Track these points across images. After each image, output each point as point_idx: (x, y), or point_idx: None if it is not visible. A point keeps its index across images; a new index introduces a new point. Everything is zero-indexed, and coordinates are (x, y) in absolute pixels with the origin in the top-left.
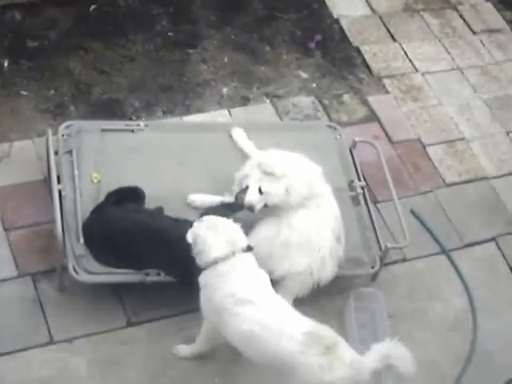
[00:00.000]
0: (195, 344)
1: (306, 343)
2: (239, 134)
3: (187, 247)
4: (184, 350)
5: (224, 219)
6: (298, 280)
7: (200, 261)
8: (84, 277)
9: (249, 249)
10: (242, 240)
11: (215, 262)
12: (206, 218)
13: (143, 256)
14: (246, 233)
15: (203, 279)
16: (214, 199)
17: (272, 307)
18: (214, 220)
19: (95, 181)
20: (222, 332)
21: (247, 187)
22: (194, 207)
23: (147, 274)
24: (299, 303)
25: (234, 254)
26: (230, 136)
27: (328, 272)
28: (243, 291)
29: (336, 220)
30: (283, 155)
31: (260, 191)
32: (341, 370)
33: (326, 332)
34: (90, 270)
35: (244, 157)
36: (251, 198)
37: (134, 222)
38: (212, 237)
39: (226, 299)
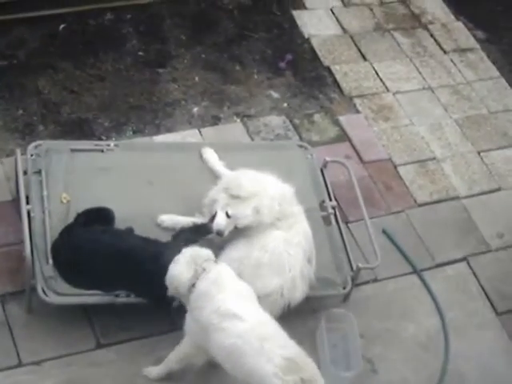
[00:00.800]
0: (164, 364)
1: (284, 368)
2: (209, 154)
3: (156, 268)
4: (154, 371)
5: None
6: (268, 301)
7: (181, 295)
8: (53, 298)
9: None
10: (206, 253)
11: (192, 285)
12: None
13: (112, 277)
14: (217, 254)
15: (190, 306)
16: (185, 220)
17: (257, 322)
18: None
19: (64, 201)
20: (206, 349)
21: (215, 213)
22: (164, 227)
23: (117, 296)
24: None
25: (204, 269)
26: (201, 156)
27: (299, 293)
28: (227, 304)
29: (307, 241)
30: (252, 175)
31: (228, 215)
32: None
33: (308, 365)
34: (59, 292)
35: (214, 177)
36: (219, 223)
37: (102, 244)
38: (174, 268)
39: (212, 315)
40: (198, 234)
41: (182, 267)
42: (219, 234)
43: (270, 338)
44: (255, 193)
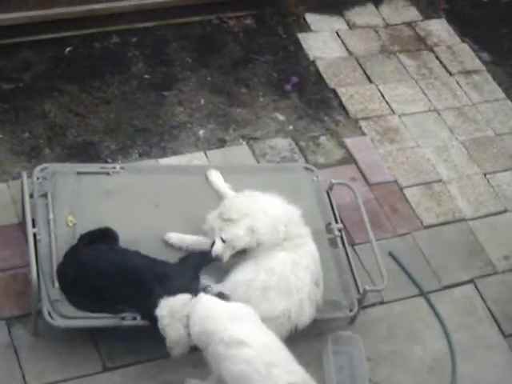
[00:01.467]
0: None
1: None
2: (215, 176)
3: (161, 287)
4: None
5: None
6: (275, 324)
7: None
8: (59, 321)
9: (221, 296)
10: (180, 299)
11: (188, 334)
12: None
13: (117, 296)
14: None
15: (199, 345)
16: (191, 239)
17: (264, 346)
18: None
19: (70, 224)
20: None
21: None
22: (171, 244)
23: (123, 318)
24: None
25: (187, 315)
26: (206, 178)
27: (306, 316)
28: (230, 332)
29: (315, 263)
30: (249, 196)
31: (223, 240)
32: None
33: None
34: (64, 315)
35: (220, 199)
36: (216, 249)
37: (107, 262)
38: (168, 332)
39: (218, 347)
40: (205, 259)
41: (172, 329)
42: (218, 259)
43: (276, 364)
44: (247, 213)
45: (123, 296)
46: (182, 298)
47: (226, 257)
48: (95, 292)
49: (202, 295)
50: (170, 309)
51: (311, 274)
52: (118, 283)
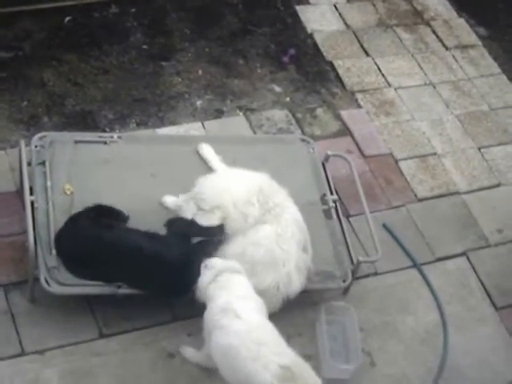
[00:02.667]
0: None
1: (280, 377)
2: (206, 150)
3: (162, 264)
4: (189, 352)
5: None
6: (265, 296)
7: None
8: (56, 288)
9: None
10: (235, 266)
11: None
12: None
13: (113, 272)
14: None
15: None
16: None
17: (256, 325)
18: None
19: (68, 192)
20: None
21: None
22: (166, 207)
23: (119, 286)
24: (270, 316)
25: (222, 273)
26: (197, 151)
27: (296, 286)
28: (230, 301)
29: (300, 229)
30: (223, 179)
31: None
32: None
33: (304, 373)
34: (61, 282)
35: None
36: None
37: (104, 242)
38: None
39: (215, 311)
40: (192, 228)
41: (207, 275)
42: None
43: (266, 344)
44: (218, 205)
45: (119, 272)
46: (235, 265)
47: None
48: (91, 265)
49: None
50: (222, 267)
51: (297, 242)
52: (114, 261)
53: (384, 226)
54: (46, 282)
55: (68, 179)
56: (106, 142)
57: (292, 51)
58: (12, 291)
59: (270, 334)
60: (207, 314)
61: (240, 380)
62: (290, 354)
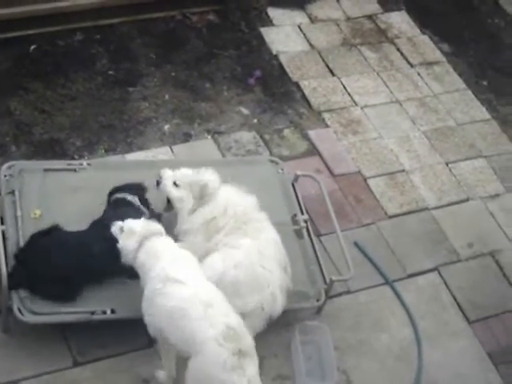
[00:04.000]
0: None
1: (225, 335)
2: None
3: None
4: (164, 377)
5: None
6: (249, 318)
7: (124, 255)
8: (29, 317)
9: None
10: (157, 228)
11: (134, 257)
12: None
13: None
14: None
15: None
16: None
17: (202, 287)
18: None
19: (36, 215)
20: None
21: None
22: None
23: (93, 313)
24: None
25: (147, 238)
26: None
27: (279, 306)
28: (166, 271)
29: (279, 249)
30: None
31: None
32: (237, 378)
33: (247, 340)
34: (35, 311)
35: None
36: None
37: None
38: (123, 239)
39: (154, 281)
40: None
41: (128, 239)
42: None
43: (214, 305)
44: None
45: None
46: (158, 227)
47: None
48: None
49: (158, 236)
50: (143, 227)
51: (279, 262)
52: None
53: (355, 244)
54: (20, 311)
55: (38, 207)
56: (75, 170)
57: (258, 73)
58: None
59: (215, 296)
60: (146, 285)
61: (185, 338)
62: (235, 317)
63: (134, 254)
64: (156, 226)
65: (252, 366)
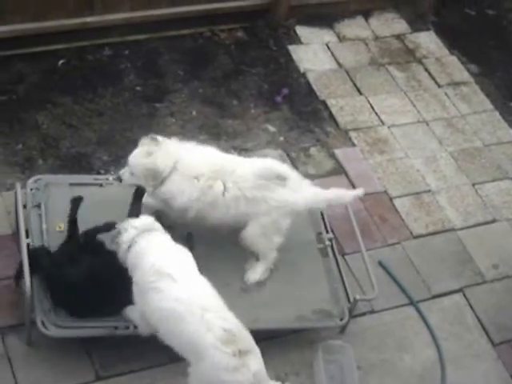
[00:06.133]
0: None
1: (223, 339)
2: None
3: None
4: None
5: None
6: None
7: (120, 253)
8: (52, 331)
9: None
10: (156, 224)
11: (129, 247)
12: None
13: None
14: None
15: (128, 265)
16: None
17: (198, 289)
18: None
19: (61, 229)
20: (146, 315)
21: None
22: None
23: (116, 328)
24: (268, 355)
25: (144, 231)
26: None
27: None
28: (161, 262)
29: None
30: None
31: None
32: (242, 376)
33: (245, 338)
34: (58, 324)
35: None
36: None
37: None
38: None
39: (147, 272)
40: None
41: (126, 237)
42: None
43: (211, 309)
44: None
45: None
46: (156, 224)
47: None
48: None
49: (156, 231)
50: (142, 222)
51: None
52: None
53: (380, 263)
54: (43, 324)
55: (63, 220)
56: (101, 185)
57: (285, 91)
58: (9, 334)
59: (211, 298)
60: (139, 276)
61: (182, 342)
62: (233, 319)
63: (126, 246)
64: (152, 223)
65: (255, 360)
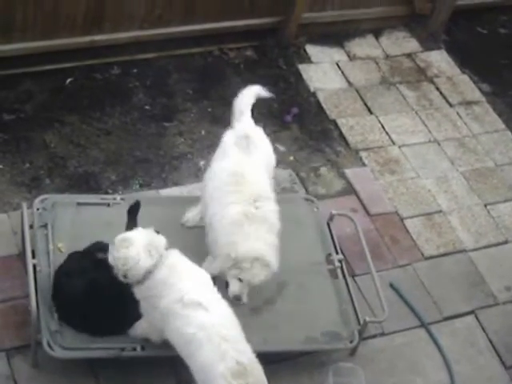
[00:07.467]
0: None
1: (233, 372)
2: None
3: None
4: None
5: (134, 231)
6: None
7: (131, 279)
8: (58, 352)
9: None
10: (161, 240)
11: (149, 272)
12: (117, 238)
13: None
14: None
15: (142, 293)
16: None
17: (221, 318)
18: (125, 236)
19: (63, 250)
20: (162, 332)
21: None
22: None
23: (122, 350)
24: (278, 377)
25: (161, 256)
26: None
27: None
28: (191, 293)
29: None
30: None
31: (240, 280)
32: None
33: (256, 374)
34: (64, 346)
35: None
36: (233, 290)
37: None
38: (132, 250)
39: (175, 305)
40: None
41: (140, 252)
42: (237, 299)
43: (228, 339)
44: (256, 257)
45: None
46: (164, 240)
47: (244, 297)
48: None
49: (174, 250)
50: (151, 240)
51: None
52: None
53: (391, 285)
54: (49, 346)
55: (70, 242)
56: (108, 204)
57: (295, 110)
58: (15, 356)
59: (231, 327)
60: (159, 302)
61: (196, 365)
62: (247, 352)
63: (147, 270)
64: (163, 239)
65: None
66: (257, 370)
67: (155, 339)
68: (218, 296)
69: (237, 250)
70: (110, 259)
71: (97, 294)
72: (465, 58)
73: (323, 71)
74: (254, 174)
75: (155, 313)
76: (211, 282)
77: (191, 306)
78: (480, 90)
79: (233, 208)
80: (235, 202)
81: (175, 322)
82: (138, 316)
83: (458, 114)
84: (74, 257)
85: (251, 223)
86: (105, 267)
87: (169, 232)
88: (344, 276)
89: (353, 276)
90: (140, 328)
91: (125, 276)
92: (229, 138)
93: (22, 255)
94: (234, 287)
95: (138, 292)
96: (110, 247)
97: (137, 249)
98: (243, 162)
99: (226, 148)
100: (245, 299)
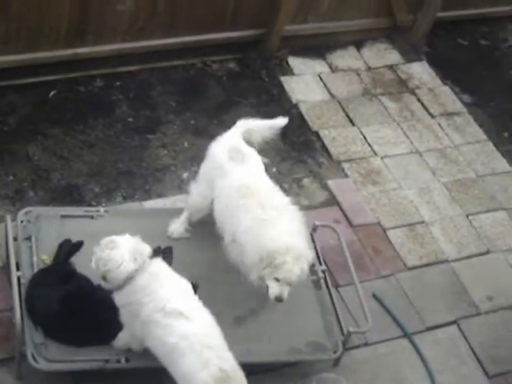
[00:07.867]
0: None
1: (216, 378)
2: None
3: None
4: None
5: (120, 236)
6: None
7: (110, 282)
8: (43, 365)
9: (156, 253)
10: (146, 248)
11: (130, 278)
12: (104, 239)
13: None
14: None
15: (122, 299)
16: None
17: (203, 327)
18: (112, 238)
19: (47, 262)
20: (142, 340)
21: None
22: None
23: (107, 361)
24: None
25: (144, 263)
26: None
27: None
28: (172, 302)
29: None
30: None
31: (276, 279)
32: None
33: (238, 380)
34: (49, 358)
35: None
36: (273, 292)
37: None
38: (116, 252)
39: (156, 314)
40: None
41: (124, 256)
42: (279, 300)
43: (211, 346)
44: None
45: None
46: (148, 247)
47: (285, 295)
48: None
49: (158, 259)
50: (136, 247)
51: None
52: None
53: (374, 295)
54: (34, 358)
55: (52, 253)
56: (92, 217)
57: None
58: None
59: (214, 335)
60: (140, 309)
61: (179, 373)
62: (230, 359)
63: (129, 275)
64: (147, 247)
65: None
66: (239, 376)
67: (136, 348)
68: (199, 304)
69: (265, 248)
70: (93, 260)
71: (72, 306)
72: (446, 70)
73: (305, 83)
74: (256, 181)
75: (136, 322)
76: (192, 291)
77: (173, 315)
78: (461, 101)
79: (249, 218)
80: (249, 211)
81: (157, 331)
82: (120, 327)
83: (439, 125)
84: (45, 270)
85: (270, 223)
86: (79, 278)
87: (152, 244)
88: (327, 287)
89: (336, 287)
90: (122, 339)
91: (104, 278)
92: (220, 153)
93: (6, 267)
94: (273, 289)
95: (118, 298)
96: (94, 248)
97: (121, 252)
98: (243, 173)
99: (222, 165)
100: (285, 298)
